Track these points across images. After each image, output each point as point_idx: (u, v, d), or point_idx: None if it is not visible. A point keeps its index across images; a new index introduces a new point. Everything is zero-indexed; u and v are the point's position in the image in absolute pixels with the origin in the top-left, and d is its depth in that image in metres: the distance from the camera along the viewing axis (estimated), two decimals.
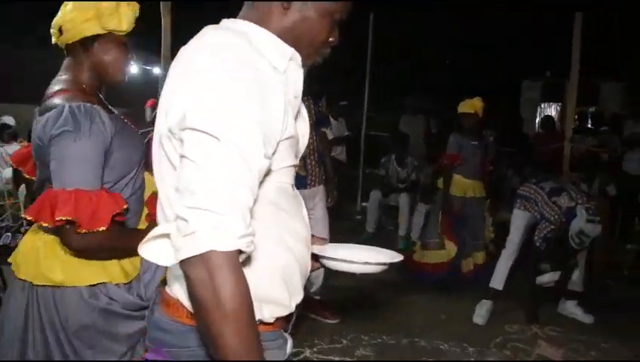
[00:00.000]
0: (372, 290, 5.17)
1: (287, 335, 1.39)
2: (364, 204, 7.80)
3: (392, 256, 1.61)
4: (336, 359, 3.65)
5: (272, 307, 1.29)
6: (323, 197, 4.29)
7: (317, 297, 4.31)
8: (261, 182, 1.19)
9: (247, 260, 1.17)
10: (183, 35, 1.41)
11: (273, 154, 1.20)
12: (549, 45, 8.64)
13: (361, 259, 1.54)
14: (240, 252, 1.09)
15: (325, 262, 1.52)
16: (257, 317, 1.17)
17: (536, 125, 9.93)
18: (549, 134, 7.65)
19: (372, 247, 1.71)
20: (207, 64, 1.15)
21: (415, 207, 6.97)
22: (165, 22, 4.61)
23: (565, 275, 4.73)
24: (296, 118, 1.31)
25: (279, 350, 1.34)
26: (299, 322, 3.79)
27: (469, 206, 5.47)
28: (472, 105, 5.36)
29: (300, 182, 3.89)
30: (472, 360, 3.90)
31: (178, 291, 1.26)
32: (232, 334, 1.06)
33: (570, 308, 4.89)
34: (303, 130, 1.39)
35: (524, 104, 10.00)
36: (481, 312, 4.64)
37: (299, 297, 1.36)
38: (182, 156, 1.13)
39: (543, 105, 10.06)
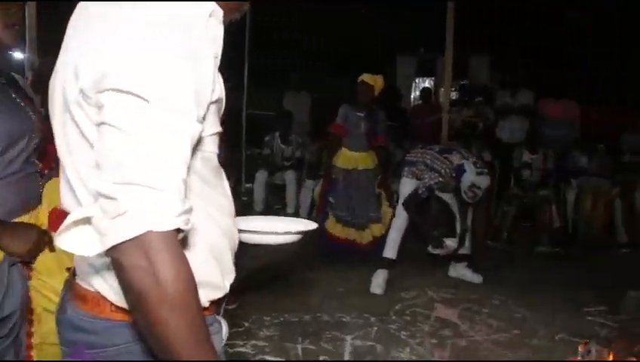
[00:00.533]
0: (265, 270, 5.06)
1: (221, 318, 1.28)
2: (248, 185, 7.64)
3: (306, 225, 1.56)
4: (241, 342, 3.52)
5: (207, 290, 1.15)
6: None
7: None
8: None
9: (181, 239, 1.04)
10: None
11: (204, 118, 1.05)
12: (421, 22, 8.94)
13: (280, 229, 1.47)
14: (178, 231, 0.95)
15: (242, 236, 1.41)
16: None
17: (412, 100, 10.25)
18: (427, 107, 7.88)
19: (282, 217, 1.66)
20: (128, 16, 0.96)
21: (302, 185, 6.95)
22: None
23: (461, 242, 4.87)
24: None
25: (216, 335, 1.22)
26: None
27: (356, 178, 5.49)
28: (374, 79, 5.36)
29: None
30: (376, 329, 3.91)
31: (98, 283, 1.09)
32: (179, 323, 0.92)
33: (460, 271, 5.08)
34: (222, 94, 1.27)
35: (399, 79, 10.26)
36: (377, 282, 4.68)
37: (231, 276, 1.24)
38: (101, 123, 0.95)
39: (417, 80, 10.37)
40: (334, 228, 5.54)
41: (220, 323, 1.26)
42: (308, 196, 6.76)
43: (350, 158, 5.48)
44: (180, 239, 0.97)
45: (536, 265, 5.86)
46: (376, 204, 5.59)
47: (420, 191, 4.62)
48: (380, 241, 5.15)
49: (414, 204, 4.75)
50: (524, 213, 6.70)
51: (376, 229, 5.47)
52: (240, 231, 1.37)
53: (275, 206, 7.30)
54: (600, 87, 7.80)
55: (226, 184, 1.26)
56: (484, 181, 4.47)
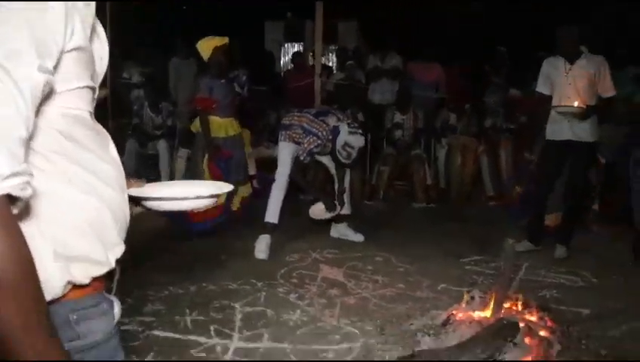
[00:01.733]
0: (142, 241, 4.82)
1: (112, 297, 1.17)
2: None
3: (220, 187, 1.48)
4: (126, 320, 3.30)
5: (85, 265, 1.02)
6: None
7: None
8: (43, 106, 0.91)
9: (40, 210, 0.91)
10: None
11: (56, 68, 0.91)
12: None
13: (191, 193, 1.38)
14: (13, 199, 0.80)
15: (149, 204, 1.33)
16: (66, 278, 0.97)
17: (282, 64, 10.13)
18: (299, 71, 7.81)
19: (189, 181, 1.54)
20: None
21: (175, 154, 6.68)
22: None
23: (340, 203, 4.88)
24: (91, 35, 1.03)
25: (105, 316, 1.11)
26: None
27: (231, 144, 5.36)
28: (206, 46, 5.15)
29: None
30: (264, 294, 3.83)
31: None
32: (11, 312, 0.79)
33: (342, 231, 5.12)
34: (100, 51, 1.11)
35: (268, 44, 10.10)
36: (261, 247, 4.60)
37: (118, 250, 1.11)
38: None
39: (286, 45, 10.26)
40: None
41: (110, 302, 1.15)
42: (182, 165, 6.52)
43: (220, 126, 5.32)
44: (30, 210, 0.84)
45: (413, 221, 6.05)
46: (244, 167, 5.58)
47: (301, 158, 4.60)
48: (248, 205, 5.16)
49: (299, 170, 4.73)
50: (398, 172, 6.88)
51: (243, 190, 5.43)
52: (148, 199, 1.30)
53: (148, 177, 6.95)
54: (465, 50, 8.10)
55: (112, 150, 1.13)
56: (357, 140, 4.49)
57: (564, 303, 3.76)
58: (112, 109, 7.44)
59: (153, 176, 6.77)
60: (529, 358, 2.54)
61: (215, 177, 5.35)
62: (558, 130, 4.62)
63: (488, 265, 4.50)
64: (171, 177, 6.54)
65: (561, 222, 4.91)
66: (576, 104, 4.43)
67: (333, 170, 4.97)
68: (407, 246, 4.95)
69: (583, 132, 4.54)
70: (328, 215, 4.79)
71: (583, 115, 4.45)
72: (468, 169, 6.82)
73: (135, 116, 6.69)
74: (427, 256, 4.73)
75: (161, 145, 6.60)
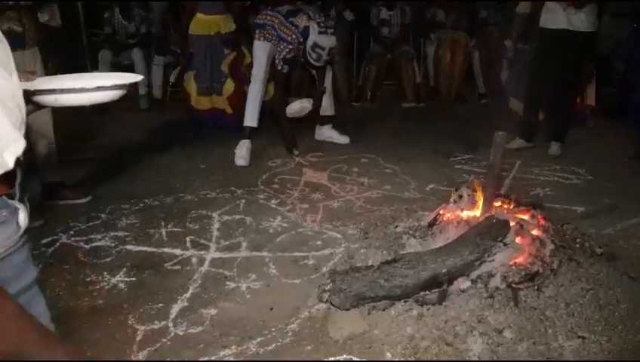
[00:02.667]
0: (117, 154, 4.61)
1: (15, 202, 1.00)
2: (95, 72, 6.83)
3: (126, 77, 1.27)
4: (99, 236, 3.13)
5: None
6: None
7: (58, 181, 3.61)
8: None
9: None
10: None
11: None
12: None
13: (90, 85, 1.16)
14: None
15: (43, 98, 1.13)
16: None
17: None
18: None
19: (91, 73, 1.32)
20: None
21: (151, 62, 6.32)
22: None
23: (317, 102, 4.63)
24: None
25: (4, 225, 0.97)
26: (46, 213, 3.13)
27: (214, 43, 5.07)
28: None
29: (17, 41, 3.08)
30: (244, 201, 3.65)
31: None
32: None
33: (327, 133, 4.91)
34: None
35: None
36: (240, 153, 4.39)
37: (16, 147, 0.91)
38: None
39: None
40: (198, 102, 5.24)
41: (13, 208, 0.99)
42: (159, 73, 6.20)
43: (205, 23, 4.99)
44: None
45: (401, 121, 5.82)
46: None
47: (279, 67, 4.39)
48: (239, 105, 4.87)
49: (281, 79, 4.48)
50: (386, 70, 6.57)
51: (228, 87, 5.13)
52: (41, 92, 1.12)
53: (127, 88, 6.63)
54: None
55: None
56: (326, 41, 4.21)
57: (557, 201, 3.61)
58: (85, 20, 7.02)
59: (130, 87, 6.44)
60: (520, 259, 2.38)
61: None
62: (553, 18, 4.31)
63: (479, 164, 4.32)
64: (149, 87, 6.23)
65: (555, 117, 4.69)
66: None
67: (313, 70, 4.68)
68: (394, 147, 4.75)
69: (580, 21, 4.23)
70: (301, 112, 4.57)
71: (579, 2, 4.13)
72: (458, 65, 6.50)
73: (107, 25, 6.26)
74: (415, 156, 4.54)
75: (136, 54, 6.21)
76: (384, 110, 6.26)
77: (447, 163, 4.39)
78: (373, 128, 5.44)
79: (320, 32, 4.19)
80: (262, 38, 4.43)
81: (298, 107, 4.55)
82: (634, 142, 4.51)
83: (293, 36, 4.24)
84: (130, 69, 6.37)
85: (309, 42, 4.20)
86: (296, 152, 4.53)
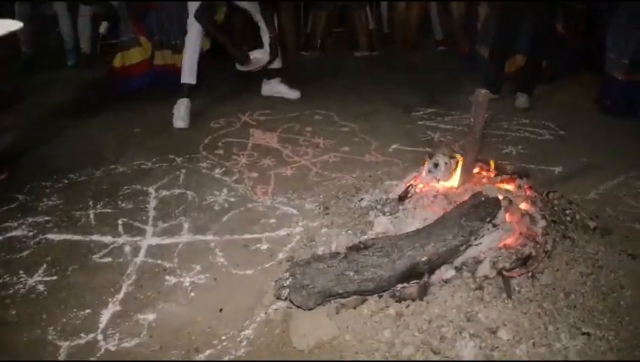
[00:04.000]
0: (33, 118, 4.05)
1: None
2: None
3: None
4: (14, 224, 2.63)
5: None
6: None
7: None
8: None
9: None
10: None
11: None
12: None
13: None
14: None
15: None
16: None
17: None
18: None
19: None
20: None
21: (77, 13, 5.63)
22: None
23: (274, 53, 4.17)
24: None
25: None
26: None
27: None
28: None
29: None
30: (185, 171, 3.19)
31: None
32: None
33: (275, 88, 4.49)
34: None
35: None
36: (179, 115, 3.92)
37: None
38: None
39: None
40: (157, 57, 4.72)
41: None
42: (86, 25, 5.53)
43: None
44: None
45: (355, 71, 5.39)
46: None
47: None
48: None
49: (208, 15, 3.92)
50: (337, 16, 6.09)
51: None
52: None
53: (50, 43, 5.95)
54: None
55: None
56: None
57: (533, 161, 3.29)
58: None
59: (56, 43, 5.78)
60: (510, 240, 2.04)
61: (140, 31, 4.59)
62: None
63: (444, 119, 3.96)
64: (76, 41, 5.57)
65: (523, 68, 4.36)
66: None
67: (258, 16, 4.17)
68: (350, 102, 4.36)
69: None
70: (257, 66, 4.11)
71: None
72: (414, 11, 6.05)
73: None
74: (373, 111, 4.15)
75: (60, 6, 5.52)
76: (335, 60, 5.81)
77: (409, 118, 4.02)
78: (325, 80, 4.99)
79: None
80: None
81: (255, 57, 4.09)
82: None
83: None
84: (54, 20, 5.70)
85: None
86: (245, 115, 4.05)
